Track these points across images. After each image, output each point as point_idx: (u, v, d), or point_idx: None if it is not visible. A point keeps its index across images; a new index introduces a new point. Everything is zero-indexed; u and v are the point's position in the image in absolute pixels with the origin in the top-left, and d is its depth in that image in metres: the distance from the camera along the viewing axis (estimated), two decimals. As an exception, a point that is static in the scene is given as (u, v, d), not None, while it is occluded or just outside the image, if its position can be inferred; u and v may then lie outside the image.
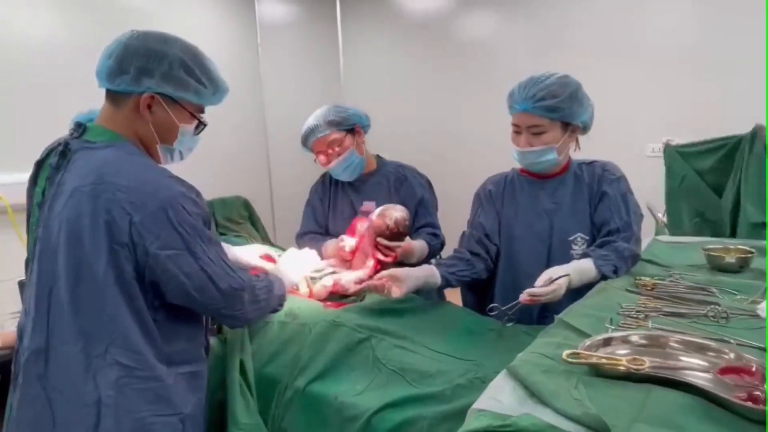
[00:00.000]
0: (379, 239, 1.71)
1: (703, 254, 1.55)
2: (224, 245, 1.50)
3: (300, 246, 1.89)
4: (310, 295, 1.64)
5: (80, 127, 1.15)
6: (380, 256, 1.70)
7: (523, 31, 3.78)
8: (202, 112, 1.24)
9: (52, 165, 1.13)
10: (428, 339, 1.41)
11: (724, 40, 3.14)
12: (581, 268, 1.42)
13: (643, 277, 1.40)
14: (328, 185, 2.06)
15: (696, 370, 0.85)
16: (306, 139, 1.93)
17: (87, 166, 1.08)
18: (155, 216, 1.04)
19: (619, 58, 3.44)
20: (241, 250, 1.73)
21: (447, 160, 4.08)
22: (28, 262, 1.18)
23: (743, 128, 3.14)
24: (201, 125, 1.24)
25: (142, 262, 1.06)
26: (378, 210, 1.76)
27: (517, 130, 1.53)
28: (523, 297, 1.32)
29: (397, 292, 1.46)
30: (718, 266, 1.49)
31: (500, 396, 0.82)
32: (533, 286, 1.34)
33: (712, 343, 0.91)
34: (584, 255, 1.47)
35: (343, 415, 1.24)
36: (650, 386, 0.81)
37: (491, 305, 1.45)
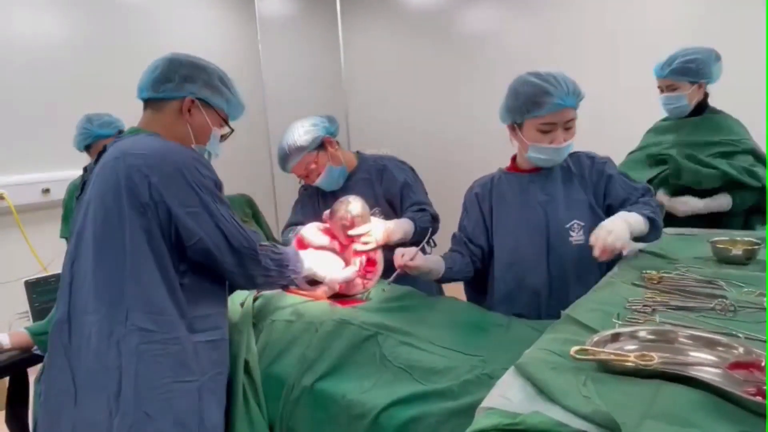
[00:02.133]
0: (347, 233, 1.69)
1: (709, 247, 1.54)
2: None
3: (283, 239, 1.93)
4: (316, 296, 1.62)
5: (120, 133, 1.36)
6: (359, 246, 1.68)
7: (524, 24, 3.76)
8: (228, 122, 1.41)
9: (92, 165, 1.27)
10: (434, 335, 1.41)
11: (725, 36, 3.11)
12: (627, 217, 1.45)
13: (649, 271, 1.39)
14: (320, 190, 2.07)
15: (705, 365, 0.84)
16: (283, 167, 1.97)
17: (112, 152, 1.21)
18: (171, 176, 1.15)
19: (620, 52, 3.43)
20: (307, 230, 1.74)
21: (449, 154, 4.08)
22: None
23: (744, 121, 3.14)
24: (228, 132, 1.39)
25: (165, 221, 1.15)
26: (327, 211, 1.75)
27: (548, 129, 1.52)
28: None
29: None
30: (724, 259, 1.48)
31: (509, 394, 0.82)
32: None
33: (721, 338, 0.90)
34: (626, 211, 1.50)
35: (350, 412, 1.24)
36: (659, 382, 0.81)
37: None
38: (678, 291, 1.25)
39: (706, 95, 2.20)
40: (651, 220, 1.47)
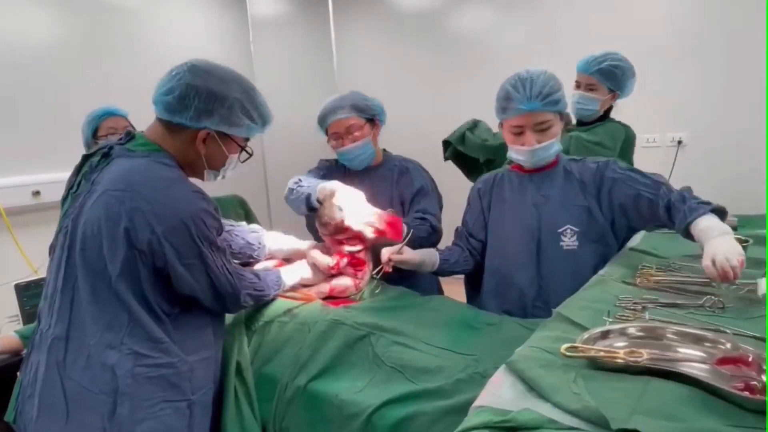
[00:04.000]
0: (334, 238, 1.67)
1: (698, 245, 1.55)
2: (261, 231, 1.71)
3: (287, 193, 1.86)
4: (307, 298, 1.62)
5: (129, 135, 1.26)
6: (350, 248, 1.66)
7: (517, 25, 3.77)
8: (248, 140, 1.36)
9: (92, 163, 1.22)
10: (427, 334, 1.41)
11: (720, 34, 3.15)
12: (711, 226, 1.31)
13: (641, 269, 1.41)
14: (340, 169, 2.02)
15: (693, 361, 0.85)
16: (324, 119, 1.89)
17: (119, 171, 1.16)
18: (176, 230, 1.13)
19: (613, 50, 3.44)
20: (274, 241, 1.75)
21: (440, 154, 4.08)
22: (52, 248, 1.26)
23: (738, 119, 3.18)
24: (248, 154, 1.35)
25: (160, 266, 1.15)
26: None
27: (519, 131, 1.53)
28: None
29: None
30: (714, 256, 1.49)
31: (500, 391, 0.82)
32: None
33: (709, 334, 0.91)
34: (689, 218, 1.35)
35: (343, 412, 1.24)
36: (648, 378, 0.82)
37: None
38: (668, 288, 1.27)
39: (611, 108, 2.19)
40: (715, 211, 1.34)
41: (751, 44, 3.06)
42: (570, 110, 2.23)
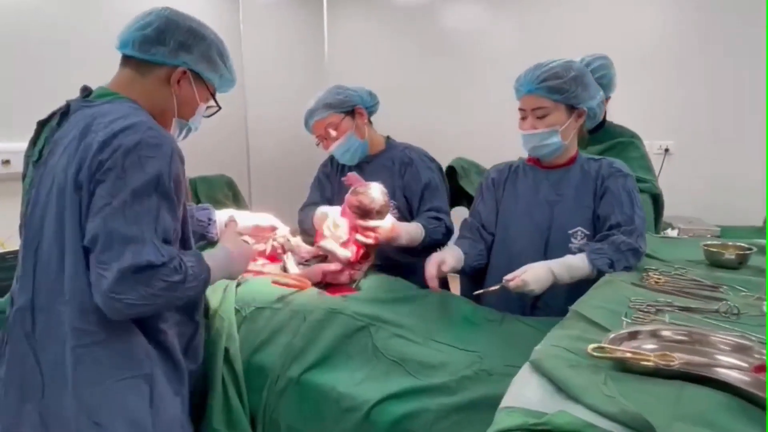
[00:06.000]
0: (356, 220, 1.61)
1: (701, 250, 1.54)
2: (210, 208, 1.55)
3: (300, 217, 1.87)
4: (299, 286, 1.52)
5: (85, 91, 1.15)
6: (360, 238, 1.61)
7: (511, 19, 3.74)
8: (215, 98, 1.27)
9: (52, 125, 1.11)
10: (427, 328, 1.36)
11: (707, 42, 3.18)
12: (570, 263, 1.40)
13: (646, 271, 1.38)
14: (334, 166, 2.00)
15: (727, 367, 0.82)
16: (306, 122, 1.88)
17: (82, 120, 1.05)
18: (110, 153, 0.97)
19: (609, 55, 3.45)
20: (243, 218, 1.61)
21: (430, 147, 4.03)
22: (22, 227, 1.14)
23: (724, 129, 3.22)
24: (215, 109, 1.27)
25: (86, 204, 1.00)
26: (352, 188, 1.67)
27: (524, 115, 1.51)
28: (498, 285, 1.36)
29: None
30: (716, 262, 1.48)
31: (527, 392, 0.77)
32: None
33: (744, 341, 0.88)
34: (580, 250, 1.44)
35: (340, 405, 1.18)
36: (681, 383, 0.78)
37: (477, 291, 1.45)
38: (677, 292, 1.24)
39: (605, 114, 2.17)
40: (599, 271, 1.37)
41: (739, 53, 3.09)
42: None
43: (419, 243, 1.73)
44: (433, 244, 1.82)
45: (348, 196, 1.63)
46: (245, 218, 1.60)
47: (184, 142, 1.22)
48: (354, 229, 1.61)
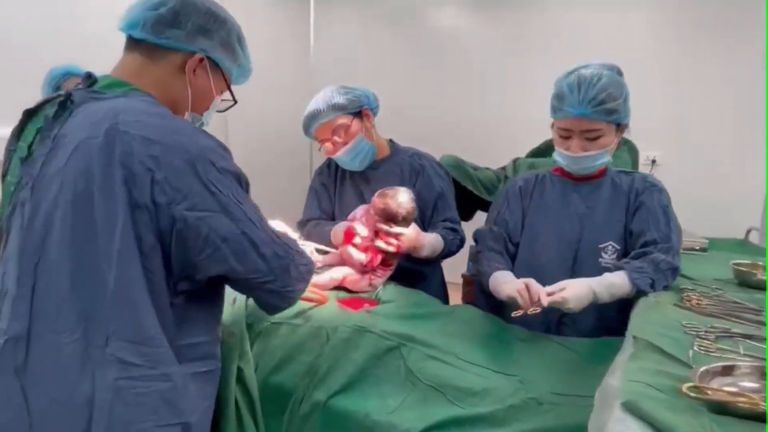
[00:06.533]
0: (379, 225, 1.52)
1: (727, 268, 1.51)
2: None
3: (304, 233, 1.69)
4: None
5: (89, 78, 0.97)
6: (380, 244, 1.51)
7: (497, 20, 3.71)
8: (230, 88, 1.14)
9: (48, 116, 0.93)
10: (459, 348, 1.27)
11: (704, 54, 3.21)
12: (611, 281, 1.33)
13: (685, 292, 1.33)
14: (333, 171, 1.85)
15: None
16: (308, 126, 1.71)
17: (96, 115, 0.89)
18: (181, 172, 0.88)
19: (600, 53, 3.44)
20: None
21: (418, 147, 3.96)
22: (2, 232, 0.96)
23: (712, 140, 3.26)
24: (230, 102, 1.14)
25: (166, 229, 0.88)
26: (381, 189, 1.57)
27: (567, 134, 1.42)
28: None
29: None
30: (747, 282, 1.44)
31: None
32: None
33: None
34: (617, 267, 1.38)
35: (375, 436, 1.08)
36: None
37: (516, 314, 1.30)
38: (725, 316, 1.19)
39: None
40: (639, 291, 1.31)
41: (727, 65, 3.14)
42: None
43: (439, 252, 1.66)
44: (447, 256, 1.78)
45: (375, 198, 1.53)
46: None
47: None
48: (375, 233, 1.50)
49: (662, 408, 0.75)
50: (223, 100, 1.13)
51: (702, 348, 1.00)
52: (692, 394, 0.76)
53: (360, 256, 1.49)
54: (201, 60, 1.03)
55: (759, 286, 1.43)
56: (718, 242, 2.58)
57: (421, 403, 1.11)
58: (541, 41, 3.52)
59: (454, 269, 2.14)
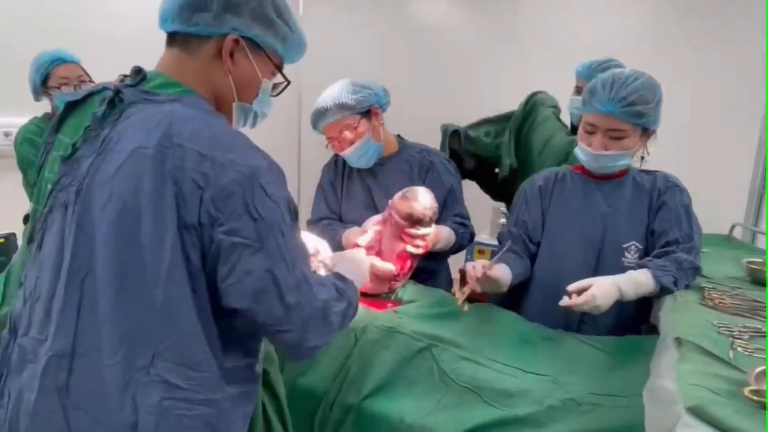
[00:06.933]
0: (407, 229, 1.49)
1: (738, 265, 1.54)
2: None
3: (316, 229, 1.66)
4: None
5: (139, 74, 0.89)
6: (411, 249, 1.49)
7: (484, 10, 3.69)
8: (281, 70, 1.01)
9: (96, 115, 0.86)
10: (486, 348, 1.26)
11: (689, 51, 3.25)
12: (636, 279, 1.33)
13: (705, 290, 1.35)
14: (341, 168, 1.82)
15: None
16: (315, 122, 1.68)
17: (151, 121, 0.82)
18: (227, 192, 0.80)
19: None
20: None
21: (406, 137, 3.94)
22: (33, 233, 0.90)
23: (708, 134, 3.31)
24: (283, 84, 1.02)
25: (207, 251, 0.82)
26: (401, 192, 1.53)
27: (593, 130, 1.41)
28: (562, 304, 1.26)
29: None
30: (760, 280, 1.47)
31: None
32: (567, 292, 1.27)
33: None
34: (640, 266, 1.39)
35: (413, 440, 1.06)
36: None
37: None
38: (752, 315, 1.21)
39: None
40: (663, 289, 1.31)
41: (712, 60, 3.18)
42: (566, 116, 2.21)
43: (451, 246, 1.66)
44: (458, 250, 1.77)
45: (398, 203, 1.48)
46: None
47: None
48: (400, 238, 1.47)
49: (731, 413, 0.75)
50: (275, 83, 1.03)
51: (740, 347, 1.01)
52: (755, 398, 0.77)
53: (388, 267, 1.46)
54: (236, 41, 0.92)
55: (772, 284, 1.46)
56: (703, 238, 2.64)
57: (456, 405, 1.10)
58: (529, 32, 3.51)
59: (453, 265, 2.12)
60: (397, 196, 1.49)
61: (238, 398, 0.92)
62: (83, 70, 2.05)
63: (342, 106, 1.63)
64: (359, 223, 1.66)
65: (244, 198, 0.81)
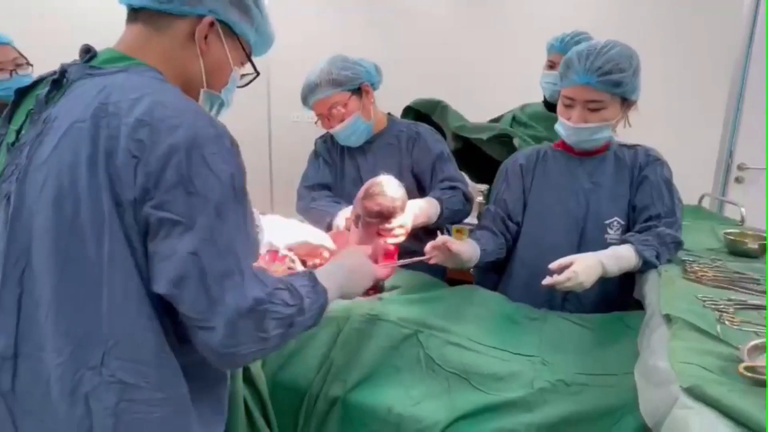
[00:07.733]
0: (380, 227, 1.42)
1: (715, 236, 1.55)
2: (274, 218, 1.29)
3: (303, 202, 1.67)
4: None
5: (88, 52, 0.82)
6: (391, 240, 1.43)
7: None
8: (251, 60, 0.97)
9: (39, 97, 0.79)
10: (472, 331, 1.24)
11: (664, 22, 3.24)
12: (619, 254, 1.32)
13: (686, 263, 1.35)
14: (333, 142, 1.79)
15: None
16: (305, 98, 1.65)
17: (89, 94, 0.75)
18: (162, 161, 0.71)
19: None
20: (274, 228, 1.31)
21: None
22: None
23: (678, 105, 3.33)
24: (252, 75, 0.97)
25: (141, 229, 0.73)
26: (363, 188, 1.43)
27: (571, 103, 1.38)
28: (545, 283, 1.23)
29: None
30: (738, 251, 1.48)
31: (719, 428, 0.67)
32: (549, 270, 1.24)
33: None
34: (623, 241, 1.38)
35: (402, 430, 1.03)
36: None
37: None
38: (732, 287, 1.21)
39: None
40: (645, 263, 1.31)
41: (684, 34, 3.19)
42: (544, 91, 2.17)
43: (436, 218, 1.59)
44: (453, 216, 1.71)
45: (364, 202, 1.38)
46: (293, 231, 1.32)
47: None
48: (377, 234, 1.40)
49: (726, 391, 0.73)
50: (243, 74, 0.98)
51: (728, 322, 1.01)
52: (749, 374, 0.76)
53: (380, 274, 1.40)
54: (211, 24, 0.87)
55: (749, 254, 1.47)
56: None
57: (444, 392, 1.08)
58: (501, 16, 3.47)
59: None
60: (360, 194, 1.39)
61: (207, 394, 0.85)
62: (18, 52, 1.83)
63: (331, 82, 1.59)
64: (349, 199, 1.60)
65: (179, 167, 0.71)
